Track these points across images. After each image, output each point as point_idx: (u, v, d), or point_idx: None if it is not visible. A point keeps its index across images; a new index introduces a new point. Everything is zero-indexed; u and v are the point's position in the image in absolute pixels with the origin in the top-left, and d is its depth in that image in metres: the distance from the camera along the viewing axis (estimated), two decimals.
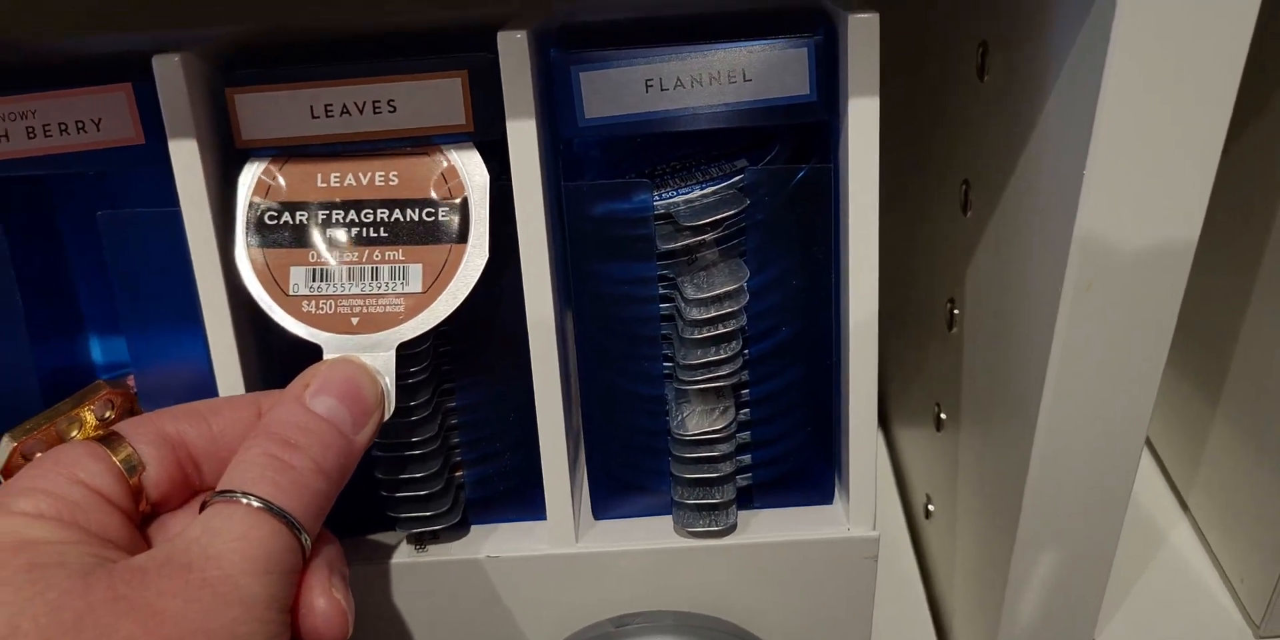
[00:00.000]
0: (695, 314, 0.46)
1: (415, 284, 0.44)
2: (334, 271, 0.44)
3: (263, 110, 0.44)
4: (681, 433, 0.47)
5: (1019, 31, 0.46)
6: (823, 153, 0.47)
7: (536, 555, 0.49)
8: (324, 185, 0.45)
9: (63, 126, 0.44)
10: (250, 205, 0.45)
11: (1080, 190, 0.41)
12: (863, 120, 0.43)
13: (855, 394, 0.47)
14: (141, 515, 0.39)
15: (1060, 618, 0.52)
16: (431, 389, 0.47)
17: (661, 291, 0.47)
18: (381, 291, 0.44)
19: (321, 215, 0.44)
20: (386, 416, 0.43)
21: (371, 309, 0.44)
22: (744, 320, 0.46)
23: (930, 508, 0.66)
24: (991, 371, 0.53)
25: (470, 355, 0.48)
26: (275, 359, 0.48)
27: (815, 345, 0.49)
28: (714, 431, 0.47)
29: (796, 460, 0.50)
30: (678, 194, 0.47)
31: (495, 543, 0.49)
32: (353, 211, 0.44)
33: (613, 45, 0.44)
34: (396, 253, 0.44)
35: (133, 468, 0.38)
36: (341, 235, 0.44)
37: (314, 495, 0.38)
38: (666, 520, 0.50)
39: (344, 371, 0.42)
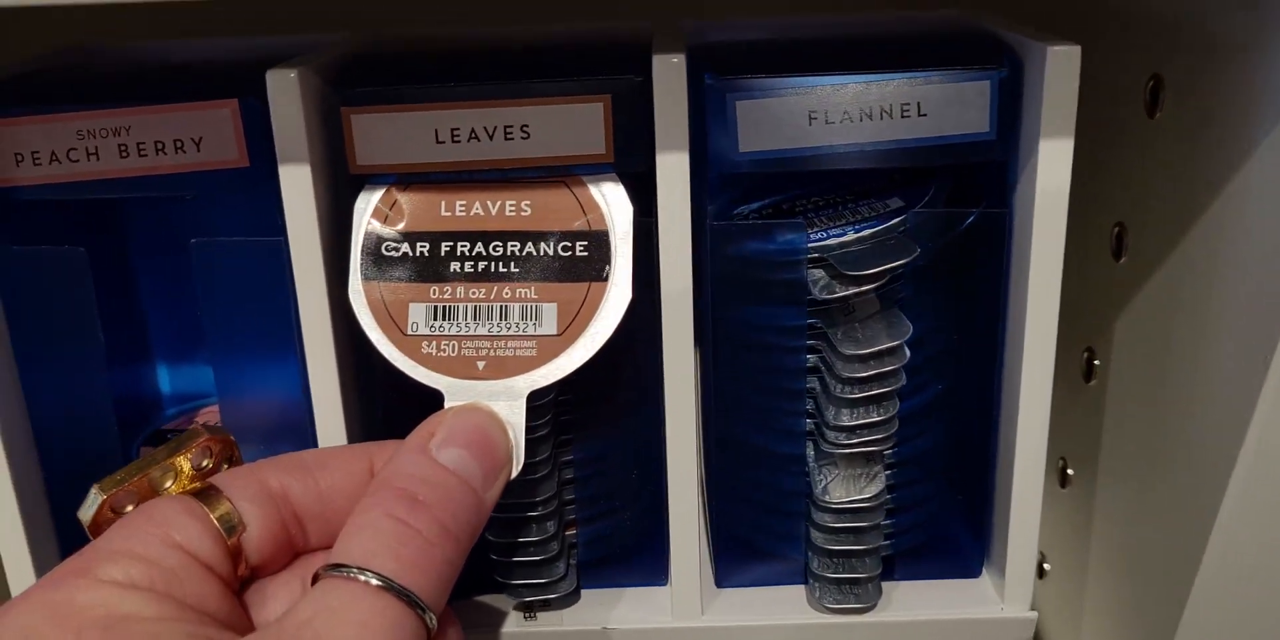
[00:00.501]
0: (850, 371, 0.41)
1: (550, 325, 0.39)
2: (459, 310, 0.39)
3: (381, 133, 0.40)
4: (826, 500, 0.43)
5: (1207, 64, 0.42)
6: (989, 194, 0.43)
7: (659, 628, 0.44)
8: (449, 214, 0.40)
9: (159, 145, 0.40)
10: (367, 235, 0.40)
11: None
12: (1055, 163, 0.39)
13: (1023, 457, 0.42)
14: (240, 579, 0.35)
15: None
16: (551, 442, 0.43)
17: (808, 342, 0.43)
18: (511, 333, 0.39)
19: (446, 247, 0.40)
20: (515, 473, 0.38)
21: (500, 352, 0.39)
22: (903, 380, 0.42)
23: (1046, 566, 0.61)
24: (1147, 433, 0.48)
25: (593, 404, 0.44)
26: (381, 403, 0.44)
27: (969, 403, 0.44)
28: (862, 501, 0.43)
29: (942, 528, 0.46)
30: (829, 235, 0.42)
31: (612, 612, 0.45)
32: (480, 244, 0.40)
33: (769, 72, 0.40)
34: (529, 290, 0.39)
35: (232, 527, 0.34)
36: (468, 269, 0.40)
37: (441, 566, 0.33)
38: (798, 591, 0.46)
39: (473, 420, 0.37)
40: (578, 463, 0.44)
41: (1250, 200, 0.40)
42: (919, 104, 0.39)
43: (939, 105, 0.39)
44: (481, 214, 0.40)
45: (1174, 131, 0.46)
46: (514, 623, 0.44)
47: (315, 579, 0.32)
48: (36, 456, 0.45)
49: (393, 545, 0.32)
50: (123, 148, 0.40)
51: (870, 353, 0.41)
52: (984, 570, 0.46)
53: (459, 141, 0.40)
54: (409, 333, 0.39)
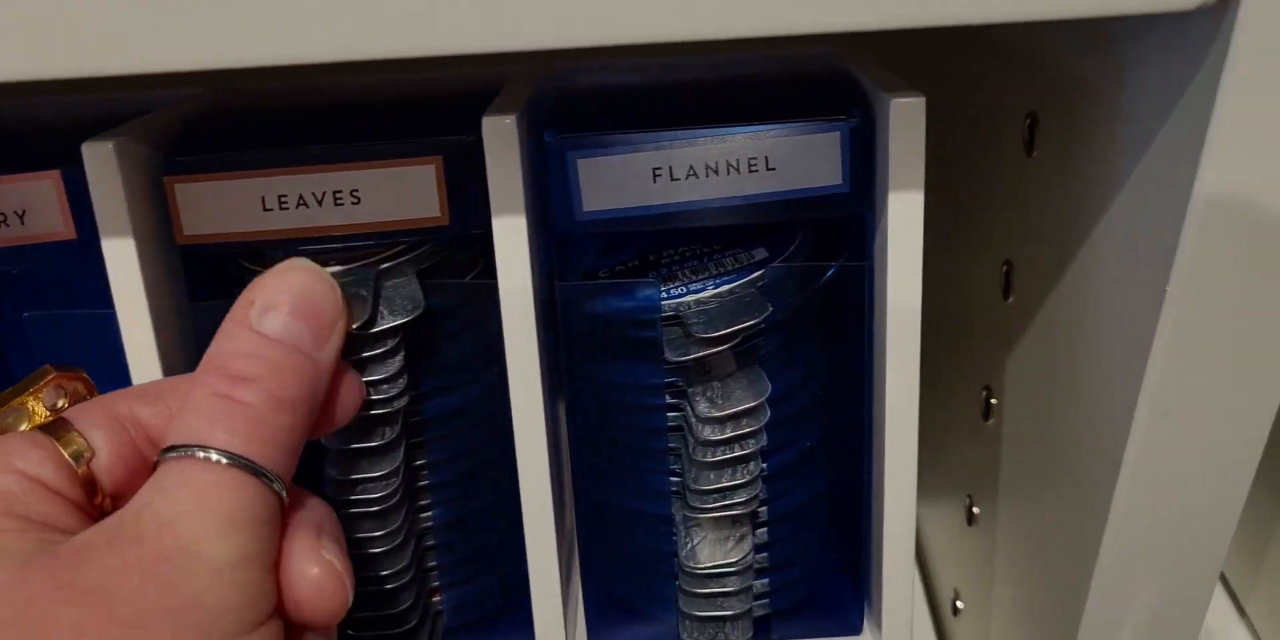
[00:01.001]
0: (709, 434, 0.40)
1: None
2: None
3: (208, 202, 0.38)
4: (692, 565, 0.41)
5: (1077, 100, 0.40)
6: (851, 244, 0.41)
7: None
8: None
9: None
10: None
11: (1167, 287, 0.35)
12: (905, 216, 0.37)
13: (892, 511, 0.41)
14: (100, 509, 0.33)
15: None
16: (404, 511, 0.41)
17: (669, 400, 0.41)
18: None
19: None
20: (355, 324, 0.36)
21: None
22: (764, 440, 0.40)
23: (959, 604, 0.60)
24: (1041, 465, 0.47)
25: (447, 468, 0.42)
26: None
27: (840, 457, 0.43)
28: (728, 565, 0.41)
29: (820, 584, 0.45)
30: (688, 291, 0.40)
31: None
32: None
33: (615, 125, 0.38)
34: None
35: (79, 455, 0.32)
36: None
37: (278, 432, 0.31)
38: None
39: (292, 280, 0.34)
40: (437, 528, 0.43)
41: (1120, 233, 0.38)
42: (767, 158, 0.38)
43: (788, 158, 0.38)
44: None
45: (1049, 168, 0.44)
46: None
47: (154, 469, 0.31)
48: None
49: (222, 420, 0.31)
50: None
51: (728, 414, 0.39)
52: (865, 625, 0.45)
53: (287, 208, 0.38)
54: None
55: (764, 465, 0.41)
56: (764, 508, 0.43)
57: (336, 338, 0.34)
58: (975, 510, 0.56)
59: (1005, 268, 0.49)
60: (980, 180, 0.51)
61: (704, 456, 0.40)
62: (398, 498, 0.40)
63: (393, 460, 0.40)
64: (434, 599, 0.43)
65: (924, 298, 0.39)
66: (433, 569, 0.43)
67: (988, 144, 0.49)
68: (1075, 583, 0.43)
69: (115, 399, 0.34)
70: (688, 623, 0.42)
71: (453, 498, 0.42)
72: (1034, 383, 0.47)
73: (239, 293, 0.40)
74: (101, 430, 0.33)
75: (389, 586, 0.41)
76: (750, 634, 0.42)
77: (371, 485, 0.40)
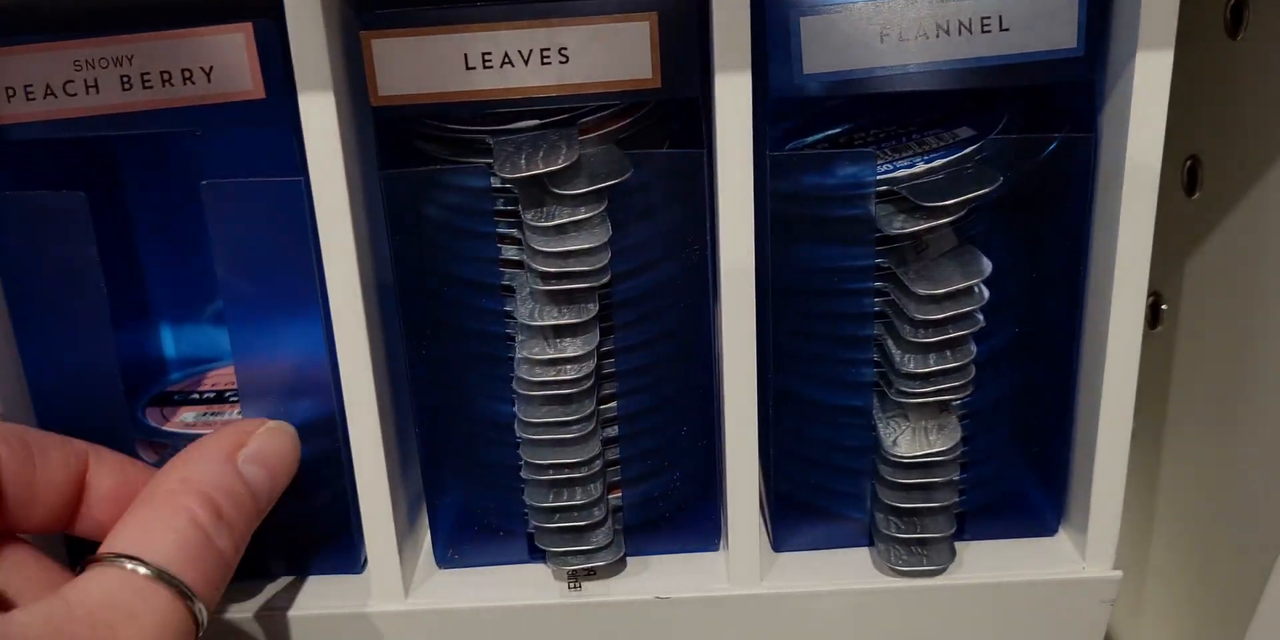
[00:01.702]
0: (924, 313, 0.37)
1: None
2: None
3: (406, 59, 0.36)
4: (895, 454, 0.39)
5: None
6: (1068, 120, 0.39)
7: (715, 596, 0.41)
8: None
9: (165, 76, 0.36)
10: None
11: None
12: (1152, 79, 0.35)
13: (1110, 405, 0.39)
14: None
15: None
16: (593, 400, 0.39)
17: (875, 284, 0.39)
18: None
19: None
20: (554, 167, 0.36)
21: None
22: (980, 322, 0.38)
23: None
24: (1219, 379, 0.45)
25: (638, 354, 0.40)
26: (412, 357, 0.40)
27: (1047, 348, 0.41)
28: (935, 454, 0.39)
29: (1016, 483, 0.43)
30: (896, 167, 0.38)
31: (664, 580, 0.41)
32: None
33: None
34: None
35: None
36: None
37: (225, 572, 0.34)
38: (862, 554, 0.42)
39: (281, 445, 0.38)
40: (623, 418, 0.40)
41: None
42: (1000, 17, 0.36)
43: (1022, 19, 0.36)
44: None
45: (1257, 54, 0.42)
46: (557, 594, 0.41)
47: (95, 563, 0.32)
48: (34, 423, 0.41)
49: (193, 552, 0.33)
50: (125, 79, 0.36)
51: (946, 293, 0.37)
52: (1060, 528, 0.43)
53: (491, 66, 0.36)
54: None
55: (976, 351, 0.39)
56: (964, 401, 0.40)
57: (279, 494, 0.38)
58: None
59: (1190, 163, 0.47)
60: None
61: (918, 337, 0.38)
62: (592, 382, 0.38)
63: (590, 340, 0.38)
64: (614, 495, 0.41)
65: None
66: (616, 462, 0.41)
67: (1180, 25, 0.46)
68: (1253, 530, 0.41)
69: None
70: (887, 518, 0.40)
71: (641, 387, 0.40)
72: (1214, 292, 0.45)
73: (432, 155, 0.38)
74: None
75: (578, 475, 0.39)
76: (953, 529, 0.40)
77: (568, 366, 0.38)
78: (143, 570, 0.31)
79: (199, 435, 0.40)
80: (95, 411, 0.41)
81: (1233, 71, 0.43)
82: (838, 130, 0.41)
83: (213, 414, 0.46)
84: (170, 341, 0.50)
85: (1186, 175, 0.47)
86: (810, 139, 0.41)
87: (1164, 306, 0.50)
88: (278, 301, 0.40)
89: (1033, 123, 0.40)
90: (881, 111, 0.41)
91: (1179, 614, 0.49)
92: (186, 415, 0.46)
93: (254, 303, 0.40)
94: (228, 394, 0.47)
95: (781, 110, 0.42)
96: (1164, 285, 0.50)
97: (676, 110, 0.39)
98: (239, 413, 0.44)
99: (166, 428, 0.45)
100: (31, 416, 0.41)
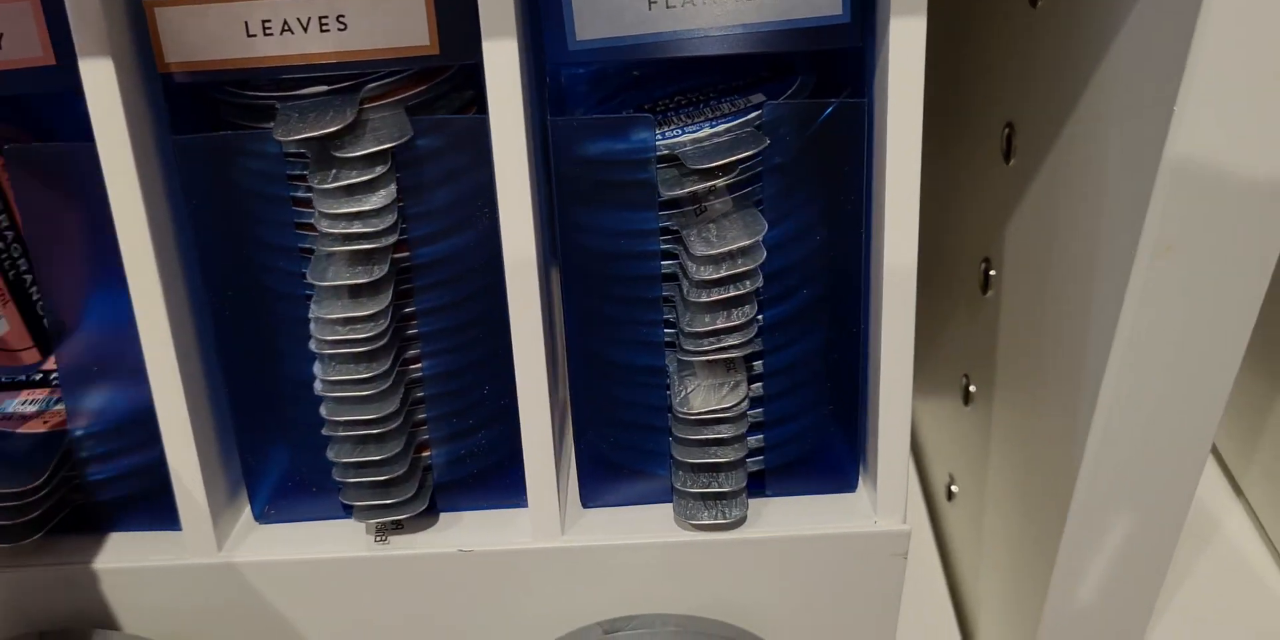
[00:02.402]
0: (703, 273, 0.38)
1: None
2: None
3: (190, 27, 0.36)
4: (685, 411, 0.40)
5: None
6: (851, 85, 0.40)
7: (517, 549, 0.42)
8: None
9: None
10: None
11: (1165, 139, 0.34)
12: (907, 45, 0.36)
13: (889, 364, 0.39)
14: None
15: (1111, 610, 0.45)
16: (392, 357, 0.40)
17: (664, 246, 0.40)
18: None
19: None
20: (334, 128, 0.36)
21: None
22: (759, 281, 0.39)
23: (954, 489, 0.59)
24: (1038, 339, 0.46)
25: (439, 317, 0.41)
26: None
27: (839, 309, 0.41)
28: (723, 410, 0.40)
29: (815, 441, 0.43)
30: (684, 132, 0.39)
31: (469, 534, 0.42)
32: None
33: None
34: None
35: None
36: None
37: None
38: (666, 509, 0.43)
39: None
40: (428, 379, 0.41)
41: (1125, 92, 0.37)
42: None
43: None
44: None
45: (1055, 21, 0.43)
46: (364, 547, 0.42)
47: None
48: None
49: None
50: None
51: (724, 252, 0.38)
52: (860, 484, 0.44)
53: (271, 34, 0.36)
54: None
55: (760, 313, 0.39)
56: (760, 361, 0.41)
57: None
58: (972, 389, 0.55)
59: (1007, 130, 0.47)
60: (981, 35, 0.50)
61: (698, 297, 0.38)
62: (386, 340, 0.39)
63: (381, 300, 0.39)
64: (423, 453, 0.42)
65: (922, 162, 0.38)
66: (422, 423, 0.42)
67: None
68: (1066, 464, 0.42)
69: None
70: (681, 472, 0.41)
71: (443, 349, 0.41)
72: (1035, 253, 0.46)
73: (224, 123, 0.39)
74: None
75: (377, 431, 0.40)
76: (744, 484, 0.41)
77: (360, 325, 0.39)
78: None
79: (15, 433, 0.41)
80: None
81: (1037, 39, 0.44)
82: (641, 95, 0.42)
83: (31, 403, 0.45)
84: None
85: (1005, 142, 0.48)
86: (611, 107, 0.41)
87: (993, 272, 0.51)
88: (84, 268, 0.41)
89: (825, 90, 0.41)
90: (689, 79, 0.42)
91: (1009, 548, 0.51)
92: (7, 404, 0.45)
93: (62, 270, 0.41)
94: (53, 375, 0.47)
95: (594, 79, 0.43)
96: (991, 251, 0.51)
97: (477, 78, 0.39)
98: (60, 400, 0.45)
99: None
100: None
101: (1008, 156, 0.47)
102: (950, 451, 0.59)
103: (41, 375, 0.47)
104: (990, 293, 0.51)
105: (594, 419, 0.42)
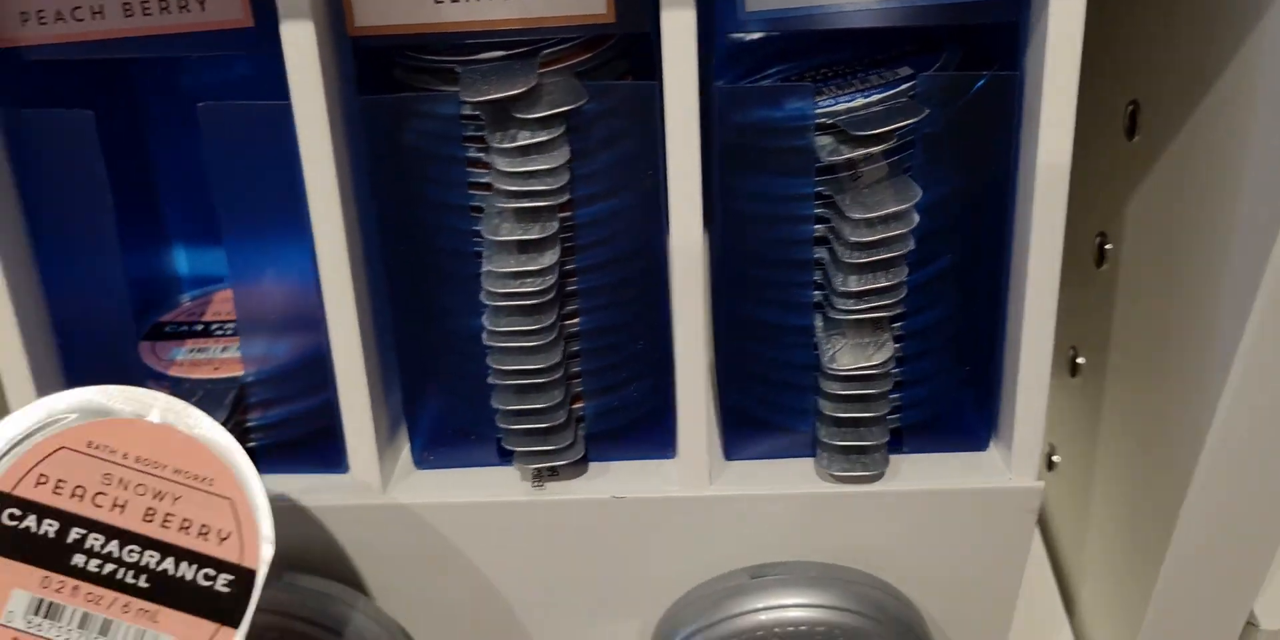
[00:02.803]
0: (859, 235, 0.40)
1: None
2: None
3: None
4: (834, 368, 0.42)
5: None
6: (1003, 61, 0.41)
7: (667, 497, 0.43)
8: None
9: (163, 3, 0.38)
10: None
11: None
12: (1067, 18, 0.37)
13: (1032, 326, 0.41)
14: None
15: (1223, 585, 0.47)
16: (555, 311, 0.42)
17: (816, 212, 0.41)
18: None
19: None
20: (515, 91, 0.38)
21: None
22: (910, 244, 0.40)
23: (1055, 459, 0.60)
24: (1159, 315, 0.47)
25: (598, 274, 0.42)
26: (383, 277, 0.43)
27: (980, 274, 0.43)
28: (870, 367, 0.41)
29: (950, 401, 0.45)
30: (838, 102, 0.41)
31: (620, 482, 0.44)
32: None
33: None
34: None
35: None
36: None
37: None
38: (806, 463, 0.45)
39: None
40: (584, 334, 0.43)
41: (1268, 74, 0.38)
42: None
43: None
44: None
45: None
46: (521, 492, 0.44)
47: None
48: (54, 340, 0.44)
49: None
50: (127, 6, 0.38)
51: (878, 216, 0.40)
52: (991, 445, 0.45)
53: (458, 1, 0.38)
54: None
55: (908, 274, 0.41)
56: (900, 324, 0.43)
57: None
58: (1080, 361, 0.56)
59: (1131, 107, 0.49)
60: (1112, 11, 0.51)
61: (853, 258, 0.40)
62: (552, 294, 0.41)
63: (549, 256, 0.40)
64: (576, 405, 0.44)
65: None
66: (577, 376, 0.44)
67: None
68: (1188, 439, 0.43)
69: None
70: (826, 426, 0.43)
71: (600, 305, 0.43)
72: (1154, 231, 0.47)
73: (409, 84, 0.40)
74: None
75: (540, 381, 0.42)
76: (885, 439, 0.43)
77: (529, 279, 0.40)
78: None
79: (190, 378, 0.44)
80: (106, 333, 0.44)
81: (1167, 15, 0.45)
82: (789, 67, 0.43)
83: (199, 351, 0.48)
84: (184, 261, 0.53)
85: (1128, 119, 0.49)
86: (761, 77, 0.43)
87: (1108, 246, 0.52)
88: (270, 225, 0.43)
89: (969, 65, 0.42)
90: (833, 52, 0.43)
91: (1117, 520, 0.52)
92: (176, 352, 0.48)
93: (247, 225, 0.43)
94: (214, 326, 0.49)
95: (740, 50, 0.44)
96: (1108, 225, 0.52)
97: (637, 46, 0.41)
98: (224, 348, 0.47)
99: (157, 368, 0.47)
100: (51, 336, 0.44)
101: (1131, 133, 0.49)
102: (1052, 422, 0.60)
103: (203, 326, 0.49)
104: (1105, 266, 0.52)
105: (739, 376, 0.44)
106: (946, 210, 0.42)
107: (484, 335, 0.42)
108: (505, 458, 0.45)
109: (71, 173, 0.41)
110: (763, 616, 0.43)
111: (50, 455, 0.34)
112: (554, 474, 0.44)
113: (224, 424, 0.43)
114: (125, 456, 0.34)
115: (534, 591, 0.45)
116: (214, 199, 0.42)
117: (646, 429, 0.45)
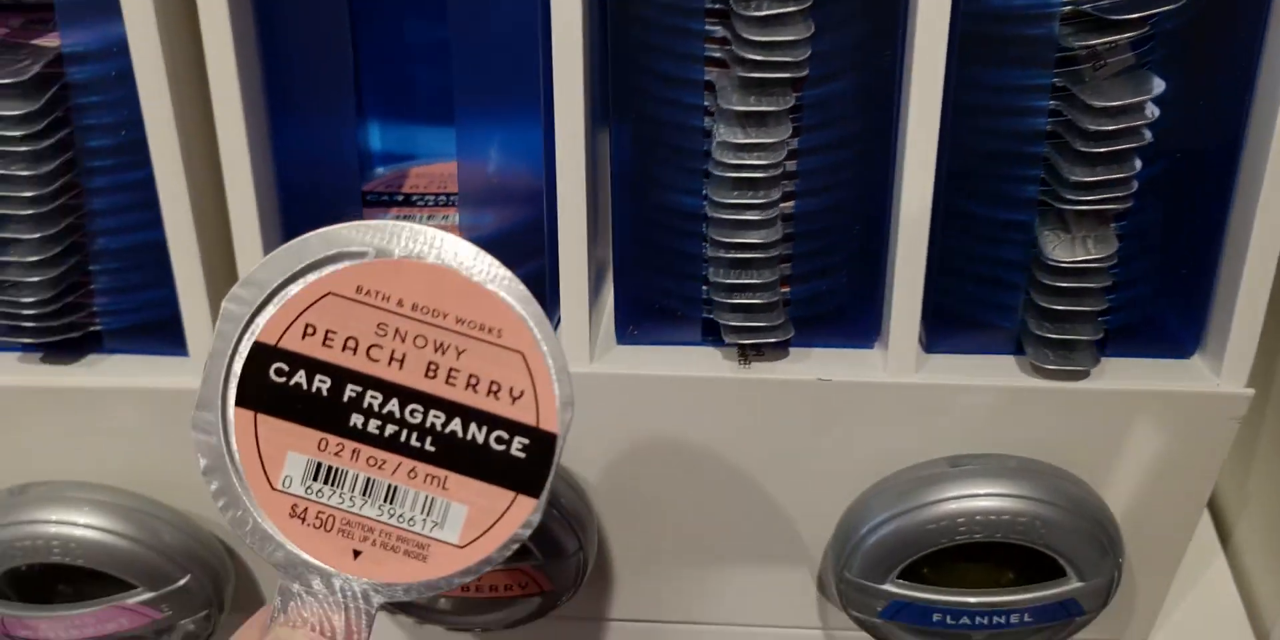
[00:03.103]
0: (1096, 125, 0.39)
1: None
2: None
3: None
4: (1053, 260, 0.41)
5: None
6: None
7: (873, 382, 0.43)
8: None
9: None
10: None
11: None
12: None
13: (1261, 232, 0.40)
14: None
15: None
16: (779, 188, 0.42)
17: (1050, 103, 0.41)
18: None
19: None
20: None
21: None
22: (1146, 138, 0.40)
23: None
24: None
25: (821, 156, 0.43)
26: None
27: (1208, 176, 0.42)
28: (1092, 260, 0.41)
29: (1160, 305, 0.44)
30: None
31: (825, 365, 0.44)
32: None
33: None
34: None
35: None
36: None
37: None
38: (1007, 359, 0.44)
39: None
40: (800, 217, 0.43)
41: None
42: None
43: None
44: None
45: None
46: (729, 369, 0.44)
47: None
48: (279, 204, 0.45)
49: None
50: None
51: (1118, 106, 0.39)
52: (1196, 353, 0.45)
53: None
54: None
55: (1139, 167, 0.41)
56: (1123, 223, 0.43)
57: None
58: None
59: None
60: None
61: (1086, 147, 0.40)
62: (780, 171, 0.41)
63: (781, 130, 0.40)
64: (784, 289, 0.44)
65: None
66: (788, 258, 0.44)
67: None
68: None
69: None
70: (1039, 320, 0.43)
71: (820, 188, 0.43)
72: None
73: None
74: None
75: (758, 256, 0.42)
76: (1099, 335, 0.43)
77: (760, 152, 0.41)
78: None
79: None
80: (330, 204, 0.46)
81: None
82: None
83: (404, 218, 0.49)
84: (377, 136, 0.54)
85: None
86: None
87: None
88: (504, 92, 0.43)
89: None
90: None
91: None
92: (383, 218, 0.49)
93: (483, 93, 0.43)
94: (414, 197, 0.50)
95: None
96: None
97: None
98: (429, 217, 0.48)
99: None
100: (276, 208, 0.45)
101: None
102: None
103: (403, 197, 0.50)
104: None
105: (950, 270, 0.44)
106: (1182, 108, 0.41)
107: (707, 207, 0.42)
108: (707, 338, 0.45)
109: (318, 35, 0.42)
110: (960, 505, 0.43)
111: (316, 303, 0.29)
112: (759, 354, 0.45)
113: None
114: (400, 303, 0.29)
115: (728, 469, 0.46)
116: (454, 68, 0.43)
117: (850, 316, 0.45)
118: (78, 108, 0.43)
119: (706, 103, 0.42)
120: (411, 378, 0.29)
